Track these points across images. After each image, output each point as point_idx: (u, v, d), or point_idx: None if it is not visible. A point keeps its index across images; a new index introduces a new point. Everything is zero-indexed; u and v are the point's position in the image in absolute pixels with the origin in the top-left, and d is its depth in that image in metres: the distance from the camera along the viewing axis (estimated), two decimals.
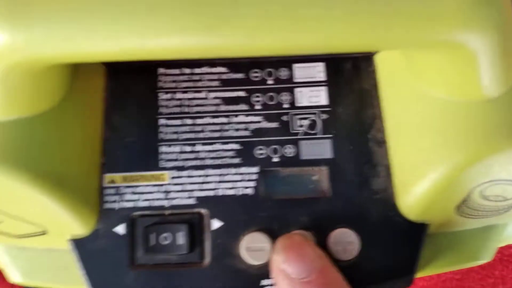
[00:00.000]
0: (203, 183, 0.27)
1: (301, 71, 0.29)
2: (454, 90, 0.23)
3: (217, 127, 0.28)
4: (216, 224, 0.26)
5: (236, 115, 0.28)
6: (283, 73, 0.29)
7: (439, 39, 0.20)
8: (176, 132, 0.28)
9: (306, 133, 0.28)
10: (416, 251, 0.26)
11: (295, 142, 0.27)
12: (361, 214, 0.26)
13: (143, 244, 0.26)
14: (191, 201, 0.27)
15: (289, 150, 0.27)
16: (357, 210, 0.26)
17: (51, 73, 0.23)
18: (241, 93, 0.28)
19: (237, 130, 0.28)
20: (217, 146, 0.27)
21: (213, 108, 0.28)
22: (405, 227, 0.26)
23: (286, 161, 0.27)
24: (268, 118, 0.28)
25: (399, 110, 0.26)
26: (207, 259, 0.26)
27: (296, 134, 0.28)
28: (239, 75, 0.29)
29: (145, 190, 0.27)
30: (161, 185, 0.27)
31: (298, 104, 0.28)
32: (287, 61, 0.29)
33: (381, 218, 0.26)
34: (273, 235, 0.26)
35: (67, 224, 0.26)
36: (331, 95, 0.28)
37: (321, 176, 0.27)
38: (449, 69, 0.23)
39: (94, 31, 0.20)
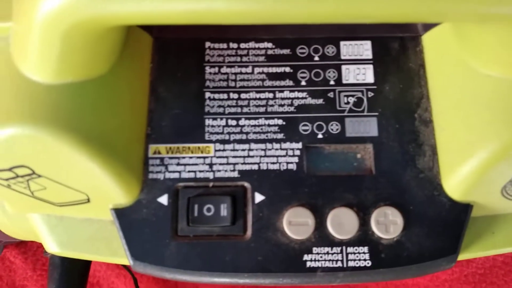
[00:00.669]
0: (247, 156, 0.27)
1: (348, 49, 0.29)
2: (508, 68, 0.23)
3: (262, 102, 0.28)
4: (258, 197, 0.27)
5: (281, 91, 0.28)
6: (330, 50, 0.29)
7: (507, 12, 0.19)
8: (221, 106, 0.28)
9: (351, 110, 0.28)
10: (460, 231, 0.26)
11: (340, 119, 0.28)
12: (405, 193, 0.26)
13: (186, 215, 0.26)
14: (235, 174, 0.27)
15: (334, 127, 0.28)
16: (401, 188, 0.26)
17: (107, 37, 0.24)
18: (287, 69, 0.28)
19: (281, 105, 0.28)
20: (262, 121, 0.28)
21: (258, 83, 0.28)
22: (449, 207, 0.26)
23: (330, 138, 0.27)
24: (314, 94, 0.28)
25: (448, 89, 0.26)
26: (249, 232, 0.26)
27: (342, 111, 0.28)
28: (285, 51, 0.29)
29: (190, 162, 0.27)
30: (206, 157, 0.27)
31: (344, 81, 0.28)
32: (334, 38, 0.29)
33: (425, 197, 0.26)
34: (316, 211, 0.26)
35: (111, 192, 0.26)
36: (378, 74, 0.28)
37: (365, 154, 0.27)
38: (505, 46, 0.23)
39: None
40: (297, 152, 0.27)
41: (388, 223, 0.26)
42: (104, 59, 0.25)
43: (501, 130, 0.24)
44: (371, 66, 0.28)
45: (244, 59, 0.29)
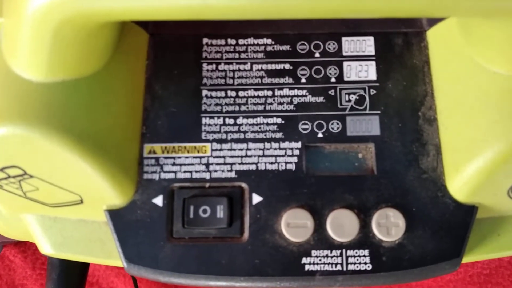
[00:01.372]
0: (244, 156, 0.26)
1: (349, 45, 0.28)
2: None
3: (261, 100, 0.27)
4: (256, 198, 0.26)
5: (281, 88, 0.27)
6: (331, 46, 0.28)
7: None
8: (218, 104, 0.27)
9: (353, 108, 0.27)
10: (464, 234, 0.25)
11: (341, 118, 0.27)
12: (408, 194, 0.26)
13: (181, 217, 0.25)
14: (232, 175, 0.26)
15: (335, 126, 0.27)
16: (404, 189, 0.26)
17: (99, 33, 0.23)
18: (287, 66, 0.28)
19: (281, 103, 0.27)
20: (260, 120, 0.27)
21: (257, 81, 0.27)
22: (453, 208, 0.25)
23: (331, 137, 0.26)
24: (314, 92, 0.27)
25: (453, 86, 0.25)
26: (246, 234, 0.25)
27: (343, 109, 0.27)
28: (285, 47, 0.28)
29: (186, 162, 0.26)
30: (202, 157, 0.26)
31: (346, 79, 0.27)
32: (336, 34, 0.28)
33: (429, 198, 0.25)
34: (315, 213, 0.25)
35: (104, 193, 0.25)
36: (380, 70, 0.27)
37: (367, 154, 0.26)
38: None
39: None
40: (296, 152, 0.26)
41: (389, 226, 0.25)
42: (98, 56, 0.24)
43: (509, 129, 0.23)
44: (373, 63, 0.28)
45: (243, 55, 0.28)
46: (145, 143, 0.26)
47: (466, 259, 0.27)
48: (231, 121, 0.27)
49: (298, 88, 0.27)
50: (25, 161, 0.24)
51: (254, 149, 0.26)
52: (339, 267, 0.25)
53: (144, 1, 0.19)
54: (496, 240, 0.27)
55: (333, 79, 0.27)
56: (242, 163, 0.26)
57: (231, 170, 0.26)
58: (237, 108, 0.27)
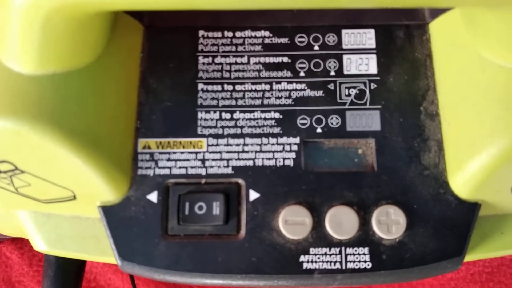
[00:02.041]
0: (241, 152, 0.26)
1: (350, 38, 0.27)
2: None
3: (258, 94, 0.26)
4: (253, 195, 0.25)
5: (279, 82, 0.27)
6: (331, 38, 0.27)
7: None
8: (215, 98, 0.26)
9: (353, 103, 0.26)
10: (467, 232, 0.25)
11: (341, 112, 0.26)
12: (409, 191, 0.25)
13: (177, 214, 0.25)
14: (228, 171, 0.25)
15: (334, 121, 0.26)
16: (405, 186, 0.25)
17: (91, 24, 0.22)
18: (285, 59, 0.27)
19: (279, 98, 0.26)
20: (257, 114, 0.26)
21: (254, 74, 0.27)
22: (456, 206, 0.25)
23: (330, 132, 0.26)
24: (313, 86, 0.26)
25: (456, 80, 0.25)
26: (243, 231, 0.25)
27: (343, 104, 0.26)
28: (283, 40, 0.27)
29: (181, 157, 0.26)
30: (198, 152, 0.26)
31: (346, 72, 0.27)
32: (335, 26, 0.27)
33: (430, 195, 0.25)
34: (314, 210, 0.25)
35: (98, 189, 0.25)
36: (381, 64, 0.27)
37: (367, 149, 0.26)
38: None
39: None
40: (295, 147, 0.26)
41: (390, 223, 0.25)
42: (90, 48, 0.24)
43: None
44: (374, 56, 0.27)
45: (240, 48, 0.27)
46: (139, 138, 0.26)
47: (468, 258, 0.27)
48: (228, 115, 0.26)
49: (297, 82, 0.26)
50: (16, 156, 0.23)
51: (251, 145, 0.26)
52: (338, 265, 0.24)
53: None
54: (499, 238, 0.27)
55: (332, 73, 0.27)
56: (239, 159, 0.26)
57: (227, 166, 0.26)
58: (234, 102, 0.26)
